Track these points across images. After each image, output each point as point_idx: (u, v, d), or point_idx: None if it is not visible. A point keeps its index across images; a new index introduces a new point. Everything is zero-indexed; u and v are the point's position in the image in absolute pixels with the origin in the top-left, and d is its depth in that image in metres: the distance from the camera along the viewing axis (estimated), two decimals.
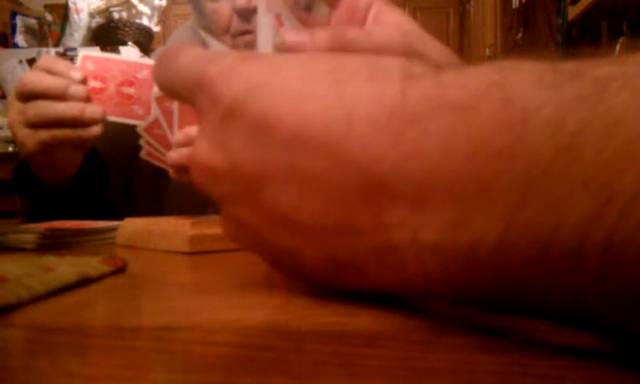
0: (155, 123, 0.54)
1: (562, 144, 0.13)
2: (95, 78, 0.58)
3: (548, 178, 0.13)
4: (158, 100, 0.53)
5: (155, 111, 0.54)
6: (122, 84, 0.59)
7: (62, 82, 0.56)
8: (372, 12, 0.34)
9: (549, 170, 0.13)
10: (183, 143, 0.52)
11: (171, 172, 0.55)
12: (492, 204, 0.14)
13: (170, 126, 0.54)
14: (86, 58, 0.58)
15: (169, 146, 0.54)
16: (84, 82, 0.57)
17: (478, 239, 0.15)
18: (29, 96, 0.56)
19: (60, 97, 0.56)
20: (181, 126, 0.53)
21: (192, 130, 0.52)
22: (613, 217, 0.12)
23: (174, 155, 0.53)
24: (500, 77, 0.15)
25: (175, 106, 0.53)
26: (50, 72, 0.56)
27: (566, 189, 0.13)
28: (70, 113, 0.56)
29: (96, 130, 0.58)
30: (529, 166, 0.14)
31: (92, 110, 0.57)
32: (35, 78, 0.56)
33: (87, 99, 0.57)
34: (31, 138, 0.57)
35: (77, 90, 0.56)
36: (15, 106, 0.57)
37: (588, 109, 0.13)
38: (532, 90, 0.14)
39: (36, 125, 0.57)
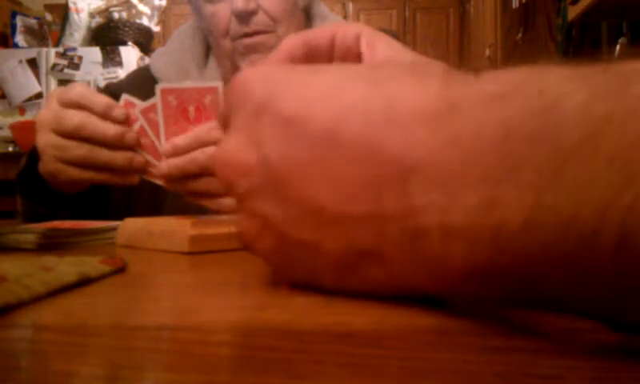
0: (141, 132, 0.54)
1: (588, 130, 0.14)
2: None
3: (573, 162, 0.14)
4: (143, 112, 0.53)
5: (140, 120, 0.54)
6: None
7: (118, 130, 0.53)
8: (363, 43, 0.32)
9: (575, 153, 0.14)
10: (172, 153, 0.53)
11: (163, 183, 0.55)
12: (521, 186, 0.15)
13: (157, 136, 0.54)
14: (128, 103, 0.55)
15: (156, 155, 0.54)
16: (125, 122, 0.54)
17: (505, 219, 0.15)
18: (77, 137, 0.54)
19: (113, 144, 0.53)
20: (167, 138, 0.53)
21: (179, 141, 0.52)
22: (629, 197, 0.13)
23: (164, 166, 0.53)
24: (535, 72, 0.16)
25: (160, 116, 0.52)
26: (88, 109, 0.53)
27: (590, 171, 0.14)
28: (120, 163, 0.54)
29: (136, 178, 0.56)
30: (556, 149, 0.14)
31: (139, 160, 0.54)
32: (83, 120, 0.53)
33: (136, 146, 0.54)
34: (66, 173, 0.55)
35: (131, 137, 0.53)
36: (51, 138, 0.55)
37: (614, 97, 0.14)
38: (564, 82, 0.15)
39: (78, 165, 0.55)
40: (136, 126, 0.54)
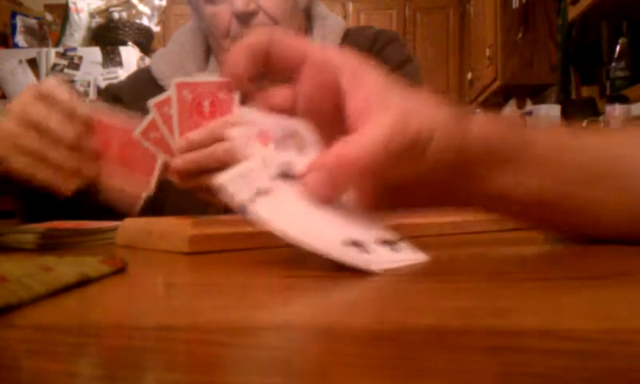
0: (151, 126, 0.54)
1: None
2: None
3: None
4: (157, 105, 0.53)
5: (152, 113, 0.53)
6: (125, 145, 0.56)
7: (75, 134, 0.54)
8: (345, 82, 0.29)
9: None
10: (186, 149, 0.52)
11: (175, 178, 0.54)
12: None
13: (171, 131, 0.53)
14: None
15: (167, 150, 0.54)
16: (86, 128, 0.55)
17: None
18: (34, 128, 0.54)
19: (67, 146, 0.54)
20: (181, 133, 0.52)
21: (193, 136, 0.52)
22: None
23: (179, 162, 0.52)
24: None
25: (174, 111, 0.52)
26: (52, 106, 0.55)
27: None
28: (67, 165, 0.55)
29: (72, 187, 0.56)
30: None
31: (88, 168, 0.55)
32: (41, 116, 0.54)
33: (92, 153, 0.55)
34: (11, 160, 0.55)
35: (84, 145, 0.55)
36: (11, 125, 0.55)
37: None
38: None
39: (29, 155, 0.55)
40: (146, 121, 0.53)
